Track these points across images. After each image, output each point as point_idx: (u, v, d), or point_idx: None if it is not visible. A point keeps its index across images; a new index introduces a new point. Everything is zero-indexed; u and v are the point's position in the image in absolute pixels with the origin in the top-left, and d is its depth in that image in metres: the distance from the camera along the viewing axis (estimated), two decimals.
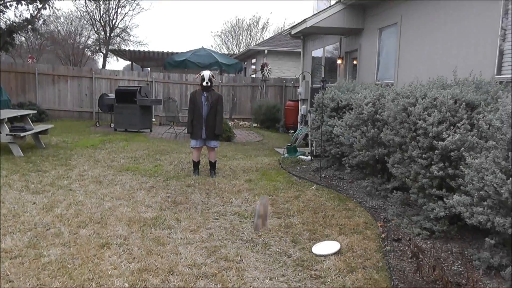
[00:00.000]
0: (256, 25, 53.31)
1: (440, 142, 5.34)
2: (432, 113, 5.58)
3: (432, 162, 5.52)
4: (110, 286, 4.07)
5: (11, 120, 11.19)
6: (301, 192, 7.69)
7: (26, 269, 4.35)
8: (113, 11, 38.92)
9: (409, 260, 4.83)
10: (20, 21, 18.37)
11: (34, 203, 6.54)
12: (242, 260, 4.79)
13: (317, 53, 16.40)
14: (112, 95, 16.28)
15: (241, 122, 20.18)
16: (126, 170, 9.02)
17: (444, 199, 5.29)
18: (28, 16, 18.55)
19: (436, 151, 5.41)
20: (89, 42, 42.06)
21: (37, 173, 8.38)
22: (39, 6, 18.86)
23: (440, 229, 5.46)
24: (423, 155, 5.64)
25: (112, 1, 37.37)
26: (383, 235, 5.58)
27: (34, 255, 4.68)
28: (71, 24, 39.39)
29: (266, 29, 63.97)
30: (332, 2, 13.57)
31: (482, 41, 7.59)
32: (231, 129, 14.94)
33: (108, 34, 39.20)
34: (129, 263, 4.58)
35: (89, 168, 9.06)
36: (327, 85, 12.02)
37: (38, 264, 4.45)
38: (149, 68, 33.01)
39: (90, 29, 40.54)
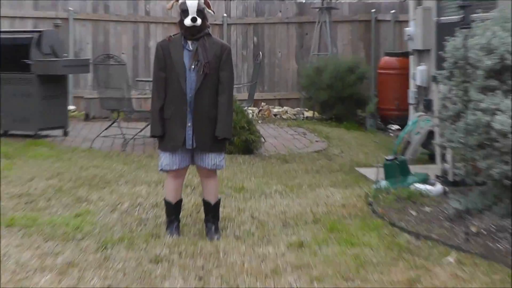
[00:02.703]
0: None
1: None
2: None
3: None
4: None
5: None
6: (422, 271, 3.85)
7: None
8: None
9: None
10: None
11: None
12: None
13: None
14: None
15: (276, 108, 11.40)
16: (9, 225, 4.73)
17: None
18: None
19: None
20: None
21: None
22: None
23: None
24: None
25: None
26: None
27: None
28: None
29: None
30: None
31: None
32: (252, 125, 8.38)
33: None
34: None
35: None
36: (474, 15, 7.33)
37: None
38: None
39: None
